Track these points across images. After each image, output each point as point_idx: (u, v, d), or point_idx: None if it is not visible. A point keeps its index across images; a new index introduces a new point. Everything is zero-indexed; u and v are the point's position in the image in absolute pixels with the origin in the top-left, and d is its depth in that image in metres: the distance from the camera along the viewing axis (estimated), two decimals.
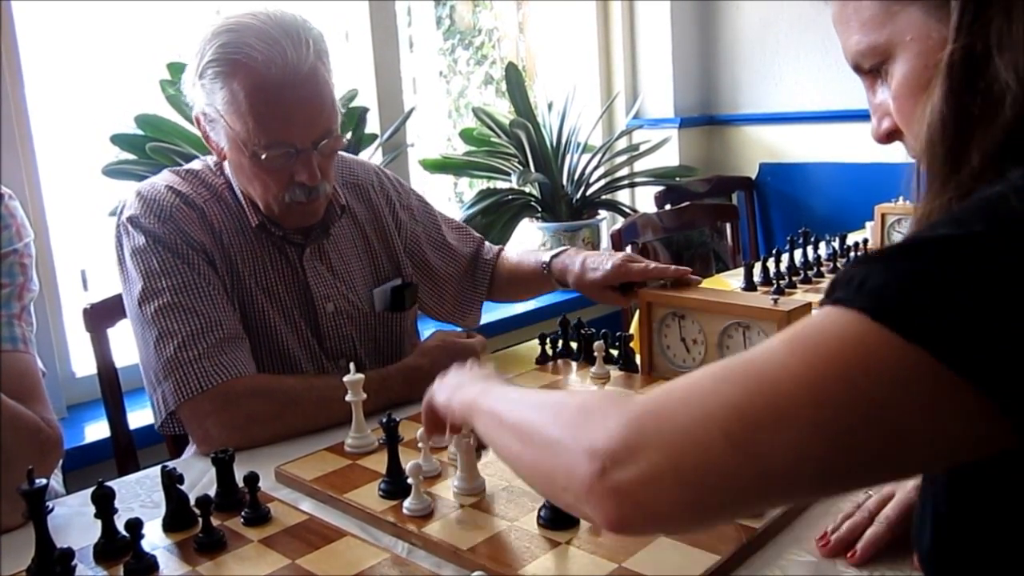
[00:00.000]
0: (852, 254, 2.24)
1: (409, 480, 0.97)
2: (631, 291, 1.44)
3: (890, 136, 0.73)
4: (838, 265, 2.17)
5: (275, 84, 1.24)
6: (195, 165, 1.45)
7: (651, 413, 0.56)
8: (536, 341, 1.55)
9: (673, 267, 1.41)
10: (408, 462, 0.98)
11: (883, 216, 2.31)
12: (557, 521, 0.91)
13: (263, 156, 1.28)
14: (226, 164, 1.41)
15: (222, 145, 1.34)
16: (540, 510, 0.93)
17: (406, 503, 0.97)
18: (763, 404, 0.52)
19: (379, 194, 1.58)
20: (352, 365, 1.16)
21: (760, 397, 0.53)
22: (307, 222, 1.40)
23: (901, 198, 2.35)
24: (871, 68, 0.70)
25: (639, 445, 0.55)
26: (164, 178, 1.40)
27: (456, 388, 0.86)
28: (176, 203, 1.34)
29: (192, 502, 0.95)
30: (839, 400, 0.51)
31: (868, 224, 2.38)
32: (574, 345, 1.53)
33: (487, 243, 1.77)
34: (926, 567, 0.67)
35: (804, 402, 0.51)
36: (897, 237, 2.30)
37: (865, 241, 2.33)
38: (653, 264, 1.44)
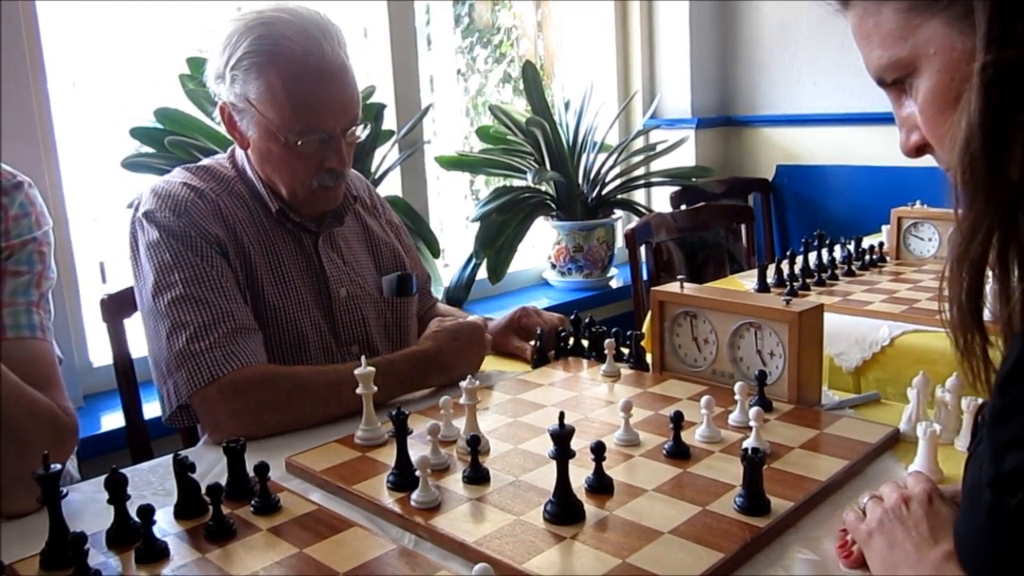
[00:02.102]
0: (867, 257, 2.23)
1: (417, 473, 0.98)
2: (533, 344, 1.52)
3: (919, 150, 0.72)
4: (853, 268, 2.16)
5: (312, 73, 1.32)
6: (206, 161, 1.50)
7: None
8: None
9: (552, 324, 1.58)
10: (417, 455, 0.99)
11: (899, 220, 2.30)
12: (563, 516, 0.91)
13: (299, 143, 1.35)
14: (239, 156, 1.46)
15: (249, 134, 1.39)
16: (546, 505, 0.93)
17: (414, 495, 0.97)
18: None
19: (371, 201, 1.66)
20: (364, 358, 1.17)
21: None
22: (328, 207, 1.46)
23: (918, 202, 2.34)
24: (894, 81, 0.69)
25: None
26: (178, 175, 1.44)
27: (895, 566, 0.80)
28: (191, 198, 1.37)
29: (203, 490, 0.96)
30: None
31: (884, 227, 2.37)
32: (585, 343, 1.53)
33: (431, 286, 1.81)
34: None
35: None
36: (913, 241, 2.29)
37: (881, 244, 2.32)
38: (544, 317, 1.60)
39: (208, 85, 1.42)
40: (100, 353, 2.12)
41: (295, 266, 1.44)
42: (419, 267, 1.72)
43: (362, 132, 1.46)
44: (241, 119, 1.39)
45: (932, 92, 0.65)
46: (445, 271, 2.88)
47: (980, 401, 1.10)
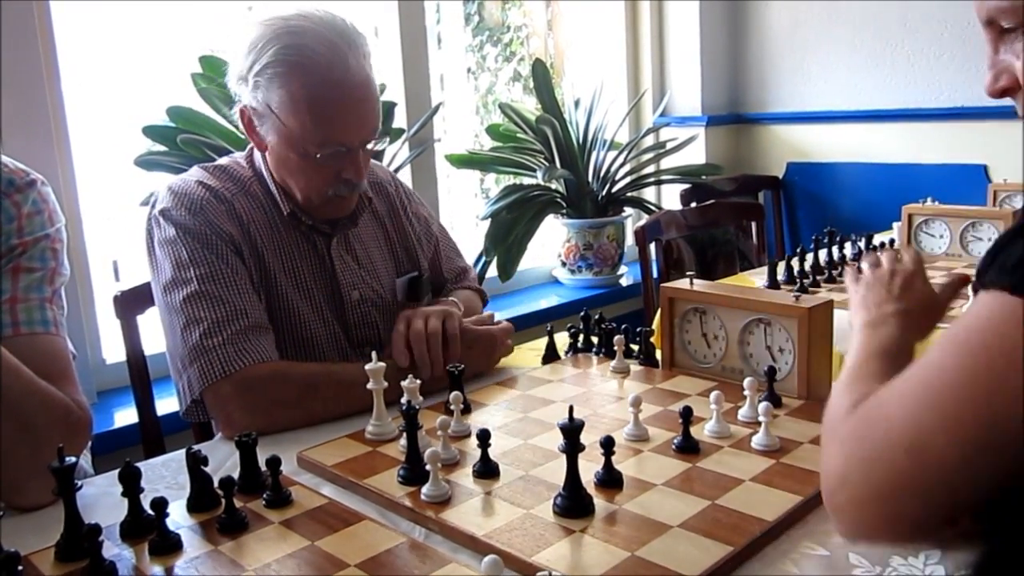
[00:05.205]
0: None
1: (427, 467, 0.98)
2: None
3: (1004, 92, 0.76)
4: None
5: (335, 86, 1.32)
6: (223, 161, 1.50)
7: (856, 439, 0.65)
8: (564, 334, 1.56)
9: None
10: (427, 449, 1.00)
11: (910, 217, 2.29)
12: (572, 510, 0.92)
13: (317, 155, 1.34)
14: (256, 157, 1.47)
15: (268, 139, 1.39)
16: (555, 498, 0.93)
17: (424, 489, 0.98)
18: (930, 413, 0.57)
19: (395, 192, 1.64)
20: (374, 353, 1.18)
21: (927, 408, 0.57)
22: (341, 214, 1.46)
23: (929, 199, 2.33)
24: (1007, 27, 0.72)
25: (848, 472, 0.66)
26: (194, 174, 1.45)
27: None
28: (206, 196, 1.39)
29: (215, 484, 0.97)
30: (991, 384, 0.54)
31: (895, 225, 2.36)
32: (595, 340, 1.53)
33: (472, 275, 1.76)
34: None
35: (963, 400, 0.55)
36: (924, 238, 2.28)
37: (892, 241, 2.31)
38: None
39: (229, 85, 1.42)
40: (113, 350, 2.14)
41: (308, 268, 1.45)
42: (451, 258, 1.71)
43: (380, 142, 1.46)
44: (261, 124, 1.39)
45: None
46: None
47: None
